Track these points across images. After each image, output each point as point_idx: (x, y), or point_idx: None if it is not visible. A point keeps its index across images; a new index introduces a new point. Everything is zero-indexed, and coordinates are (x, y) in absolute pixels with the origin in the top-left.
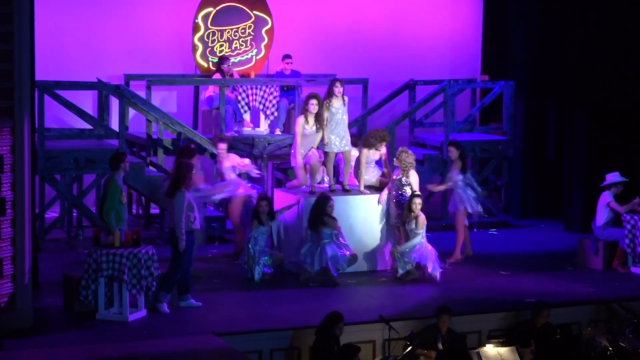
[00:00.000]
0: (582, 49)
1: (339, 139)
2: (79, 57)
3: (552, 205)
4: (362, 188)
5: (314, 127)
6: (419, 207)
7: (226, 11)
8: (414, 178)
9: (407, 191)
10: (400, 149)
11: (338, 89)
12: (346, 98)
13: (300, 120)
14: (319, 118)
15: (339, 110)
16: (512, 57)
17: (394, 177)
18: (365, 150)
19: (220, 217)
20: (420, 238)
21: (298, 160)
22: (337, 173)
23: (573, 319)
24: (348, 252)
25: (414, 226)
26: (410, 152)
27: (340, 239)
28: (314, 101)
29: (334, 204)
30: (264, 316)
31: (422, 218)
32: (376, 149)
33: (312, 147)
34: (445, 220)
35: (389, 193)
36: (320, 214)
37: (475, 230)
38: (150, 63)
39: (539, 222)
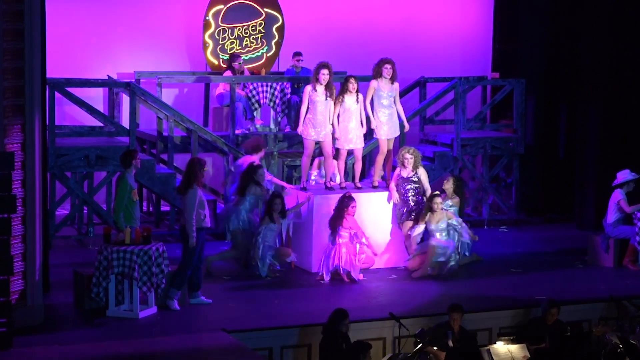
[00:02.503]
0: (594, 46)
1: (350, 136)
2: (90, 54)
3: (564, 203)
4: (373, 124)
5: (324, 96)
6: (441, 206)
7: (237, 8)
8: (424, 175)
9: (414, 189)
10: (406, 147)
11: (352, 85)
12: (361, 96)
13: (308, 88)
14: (329, 88)
15: (351, 107)
16: (523, 54)
17: (402, 175)
18: (373, 82)
19: None
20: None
21: (300, 128)
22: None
23: (584, 316)
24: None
25: (433, 225)
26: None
27: (363, 239)
28: (325, 71)
29: (355, 205)
30: (275, 313)
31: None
32: (385, 77)
33: (324, 122)
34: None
35: (397, 191)
36: (340, 215)
37: (485, 227)
38: (161, 60)
39: (550, 219)
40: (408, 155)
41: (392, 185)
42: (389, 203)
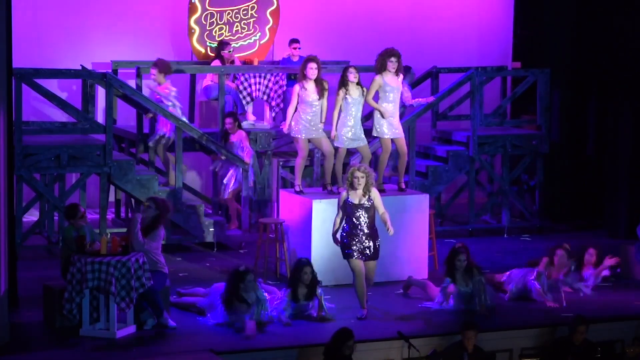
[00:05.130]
0: (628, 33)
1: (352, 133)
2: (62, 42)
3: (593, 208)
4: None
5: (315, 94)
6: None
7: None
8: (377, 198)
9: (368, 218)
10: (356, 165)
11: (353, 74)
12: (365, 89)
13: (296, 87)
14: (319, 84)
15: (355, 100)
16: (548, 42)
17: (352, 201)
18: (377, 78)
19: (219, 222)
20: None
21: (287, 128)
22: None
23: (616, 335)
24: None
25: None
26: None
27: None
28: (312, 65)
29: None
30: (268, 333)
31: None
32: (389, 70)
33: (316, 122)
34: (472, 225)
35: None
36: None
37: (505, 236)
38: (141, 48)
39: (577, 226)
40: (359, 174)
41: (337, 220)
42: (335, 241)
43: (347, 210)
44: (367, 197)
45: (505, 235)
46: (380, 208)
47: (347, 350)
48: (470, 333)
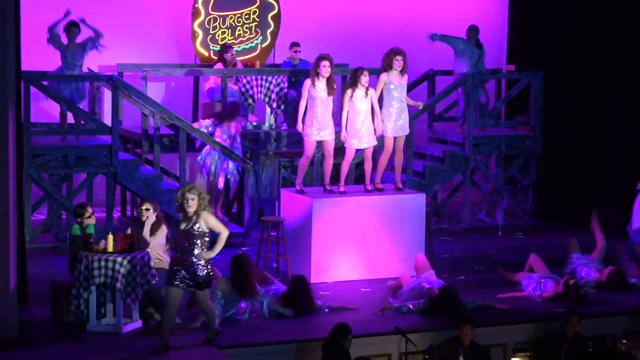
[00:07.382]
0: (623, 34)
1: (362, 135)
2: None
3: (586, 207)
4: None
5: (325, 92)
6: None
7: None
8: (212, 221)
9: (194, 245)
10: (188, 184)
11: (365, 78)
12: (371, 90)
13: (308, 82)
14: (330, 82)
15: (362, 102)
16: (543, 44)
17: (180, 226)
18: (383, 75)
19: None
20: None
21: (300, 126)
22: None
23: (607, 330)
24: None
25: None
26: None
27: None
28: (326, 63)
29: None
30: (269, 328)
31: None
32: (395, 69)
33: (327, 119)
34: (467, 224)
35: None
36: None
37: (500, 234)
38: (146, 52)
39: (571, 225)
40: (190, 195)
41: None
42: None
43: (177, 235)
44: (193, 223)
45: (499, 233)
46: (219, 229)
47: (347, 344)
48: (467, 328)
